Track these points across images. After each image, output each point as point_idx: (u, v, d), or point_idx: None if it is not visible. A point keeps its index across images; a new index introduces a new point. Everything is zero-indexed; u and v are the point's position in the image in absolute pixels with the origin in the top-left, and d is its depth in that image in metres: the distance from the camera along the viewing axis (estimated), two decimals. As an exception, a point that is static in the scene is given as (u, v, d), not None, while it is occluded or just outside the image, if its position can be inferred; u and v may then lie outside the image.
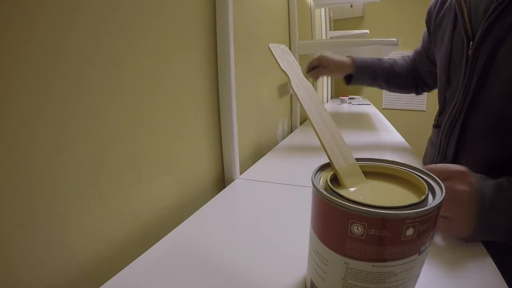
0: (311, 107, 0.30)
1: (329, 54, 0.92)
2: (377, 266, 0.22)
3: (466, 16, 0.54)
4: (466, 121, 0.54)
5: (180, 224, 0.43)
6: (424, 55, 0.81)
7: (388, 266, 0.22)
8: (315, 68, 0.90)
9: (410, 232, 0.21)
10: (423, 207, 0.21)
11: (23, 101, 0.26)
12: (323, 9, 2.31)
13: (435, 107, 0.68)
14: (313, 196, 0.25)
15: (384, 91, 3.73)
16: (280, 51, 0.34)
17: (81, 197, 0.32)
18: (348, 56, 0.90)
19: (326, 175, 0.27)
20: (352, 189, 0.26)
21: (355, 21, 3.75)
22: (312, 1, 1.69)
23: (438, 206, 0.22)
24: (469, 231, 0.35)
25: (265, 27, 0.89)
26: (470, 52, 0.52)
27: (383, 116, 1.57)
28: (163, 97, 0.44)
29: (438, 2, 0.67)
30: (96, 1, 0.32)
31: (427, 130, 0.73)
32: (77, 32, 0.30)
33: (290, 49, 1.20)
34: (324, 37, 2.36)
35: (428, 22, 0.73)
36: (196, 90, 0.53)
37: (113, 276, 0.32)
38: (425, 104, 3.52)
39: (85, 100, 0.31)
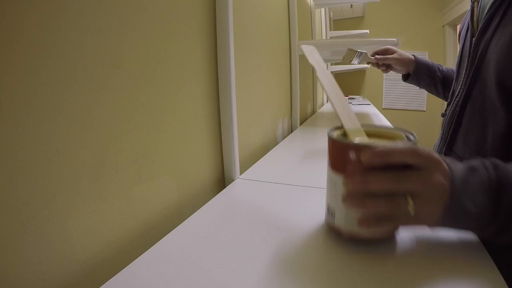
0: (330, 88, 0.41)
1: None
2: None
3: (475, 17, 0.59)
4: (464, 108, 0.60)
5: (180, 224, 0.43)
6: None
7: None
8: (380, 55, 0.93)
9: None
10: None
11: (22, 100, 0.26)
12: (323, 9, 2.31)
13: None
14: (329, 143, 0.37)
15: (384, 91, 3.74)
16: (309, 50, 0.46)
17: (81, 197, 0.32)
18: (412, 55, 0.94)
19: (338, 132, 0.39)
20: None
21: (355, 21, 3.75)
22: (312, 1, 1.69)
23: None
24: (438, 219, 0.32)
25: (265, 27, 0.89)
26: (472, 48, 0.57)
27: (383, 116, 1.57)
28: (163, 97, 0.44)
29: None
30: (97, 0, 0.32)
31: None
32: (78, 31, 0.30)
33: (290, 49, 1.20)
34: (324, 37, 2.36)
35: (458, 36, 0.78)
36: (196, 90, 0.53)
37: (113, 276, 0.32)
38: (425, 104, 3.52)
39: (85, 100, 0.31)
